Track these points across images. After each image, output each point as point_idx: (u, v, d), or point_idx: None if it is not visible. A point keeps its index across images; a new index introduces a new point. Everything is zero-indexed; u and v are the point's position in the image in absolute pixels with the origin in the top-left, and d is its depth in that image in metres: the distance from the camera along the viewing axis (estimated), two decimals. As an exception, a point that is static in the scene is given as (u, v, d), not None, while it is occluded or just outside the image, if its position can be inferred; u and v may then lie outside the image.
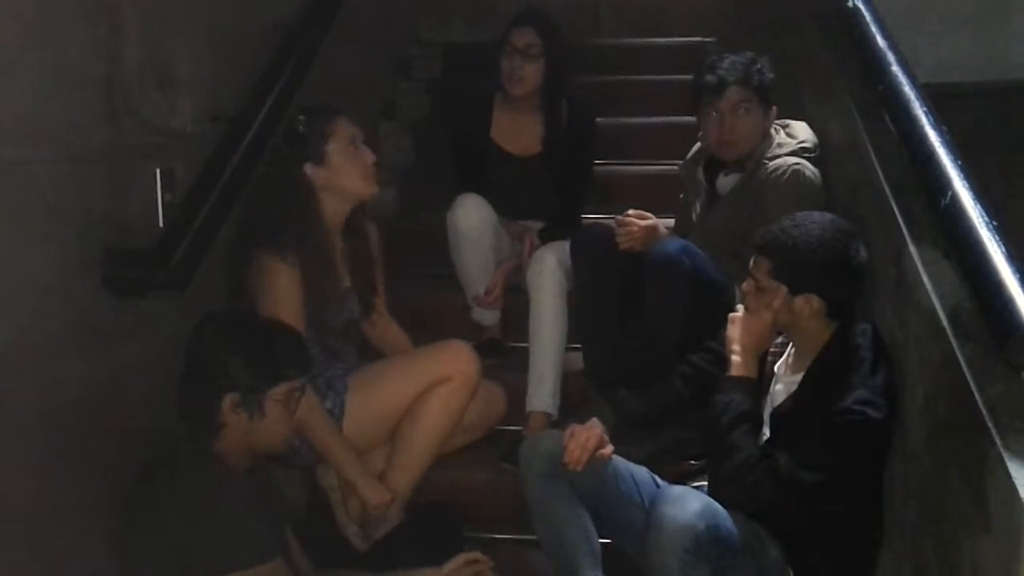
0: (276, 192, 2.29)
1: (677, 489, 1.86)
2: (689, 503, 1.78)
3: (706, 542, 1.75)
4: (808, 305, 1.90)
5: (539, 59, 2.84)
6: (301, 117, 2.33)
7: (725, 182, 2.57)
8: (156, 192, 2.06)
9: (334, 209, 2.34)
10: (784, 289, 1.91)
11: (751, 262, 1.97)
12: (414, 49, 4.16)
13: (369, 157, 2.35)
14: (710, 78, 2.50)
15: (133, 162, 2.00)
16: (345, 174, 2.31)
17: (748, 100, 2.48)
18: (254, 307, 2.23)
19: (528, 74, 2.84)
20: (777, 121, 2.59)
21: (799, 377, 1.93)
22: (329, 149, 2.30)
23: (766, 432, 1.97)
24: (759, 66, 2.50)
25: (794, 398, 1.92)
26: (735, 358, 1.97)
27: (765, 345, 2.01)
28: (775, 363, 2.04)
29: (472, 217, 2.77)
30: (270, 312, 2.18)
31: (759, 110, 2.50)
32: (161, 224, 2.07)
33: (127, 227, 1.96)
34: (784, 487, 1.82)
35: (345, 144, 2.31)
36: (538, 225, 2.91)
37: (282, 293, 2.22)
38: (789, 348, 2.03)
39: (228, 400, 1.85)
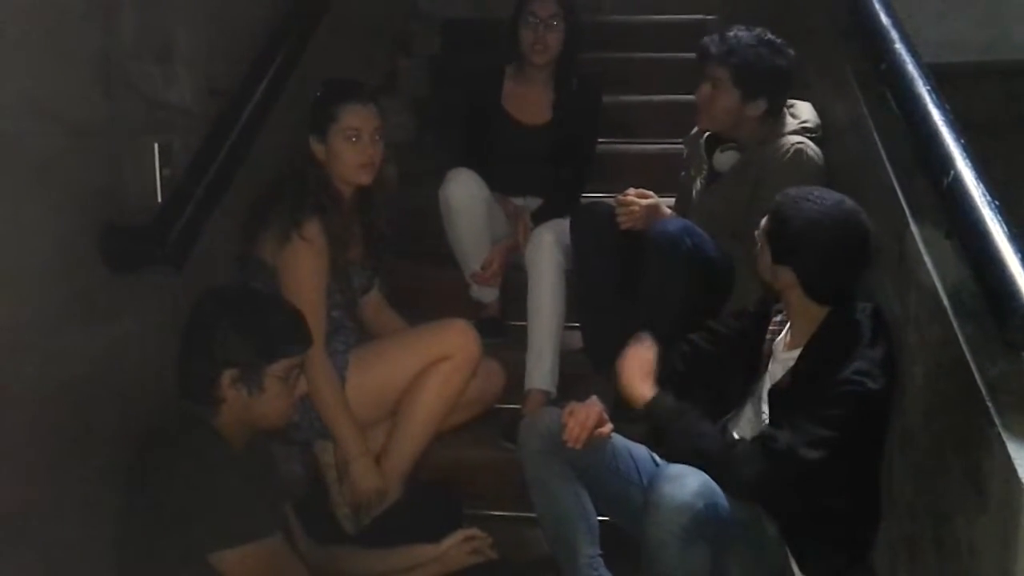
0: (293, 158, 2.32)
1: (676, 468, 1.86)
2: (687, 482, 1.79)
3: (704, 521, 1.76)
4: (785, 276, 1.91)
5: (560, 28, 2.87)
6: (321, 89, 2.34)
7: (721, 158, 2.56)
8: (154, 167, 2.05)
9: (338, 183, 2.34)
10: (768, 252, 1.93)
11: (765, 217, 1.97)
12: (414, 25, 4.13)
13: (368, 151, 2.31)
14: (700, 43, 2.49)
15: (131, 136, 1.99)
16: (338, 159, 2.31)
17: (719, 79, 2.43)
18: (267, 277, 2.24)
19: (552, 43, 2.88)
20: None
21: (796, 353, 1.93)
22: (330, 130, 2.31)
23: (765, 410, 1.97)
24: (758, 50, 2.41)
25: (792, 373, 1.91)
26: (630, 394, 1.99)
27: (649, 367, 2.02)
28: (773, 341, 2.04)
29: (463, 192, 2.77)
30: (297, 282, 2.20)
31: (733, 92, 2.42)
32: (159, 199, 2.05)
33: (125, 202, 1.95)
34: (786, 465, 1.81)
35: (346, 131, 2.30)
36: (536, 202, 2.90)
37: (314, 264, 2.24)
38: (787, 326, 2.02)
39: (227, 376, 1.84)
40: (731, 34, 2.45)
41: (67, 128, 1.77)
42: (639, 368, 2.02)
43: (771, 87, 2.45)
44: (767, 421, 1.96)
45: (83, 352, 1.81)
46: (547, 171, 2.93)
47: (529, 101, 2.96)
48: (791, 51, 2.48)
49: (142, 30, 2.00)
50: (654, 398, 1.97)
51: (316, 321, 2.18)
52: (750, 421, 2.02)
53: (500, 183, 2.88)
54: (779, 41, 2.47)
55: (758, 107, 2.46)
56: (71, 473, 1.78)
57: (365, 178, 2.34)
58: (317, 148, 2.32)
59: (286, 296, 2.19)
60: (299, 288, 2.21)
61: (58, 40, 1.74)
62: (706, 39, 2.50)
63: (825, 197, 1.92)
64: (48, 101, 1.72)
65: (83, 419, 1.82)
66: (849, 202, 1.92)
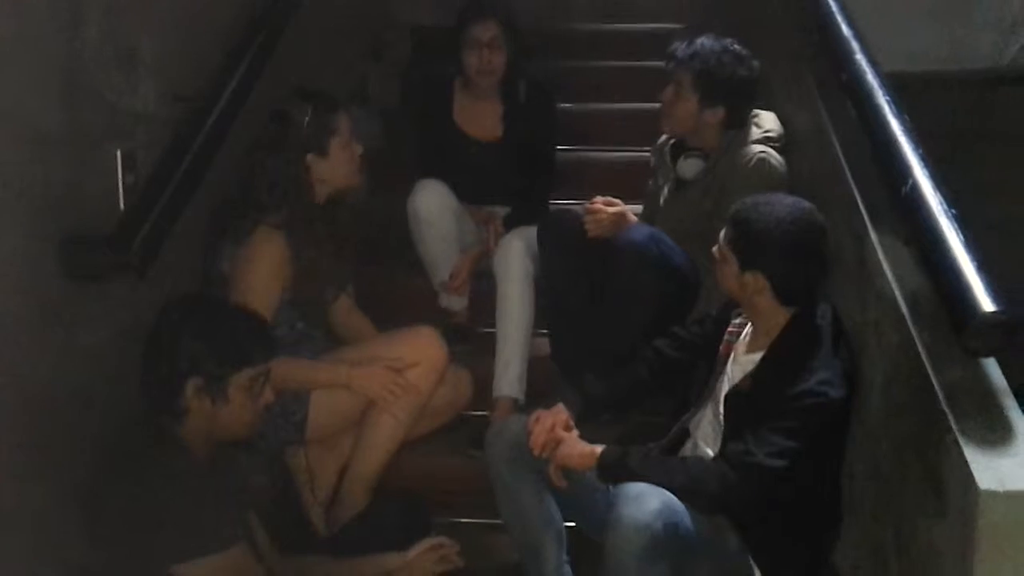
0: (273, 175, 2.29)
1: (636, 487, 1.83)
2: (646, 503, 1.77)
3: (663, 541, 1.75)
4: (755, 282, 1.91)
5: (503, 49, 2.85)
6: (308, 107, 2.33)
7: (685, 165, 2.58)
8: (117, 174, 2.03)
9: (319, 193, 2.36)
10: (734, 260, 1.93)
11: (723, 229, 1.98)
12: (384, 32, 4.13)
13: (358, 150, 2.39)
14: (670, 47, 2.53)
15: (93, 144, 1.97)
16: (341, 167, 2.35)
17: (681, 83, 2.48)
18: (225, 288, 2.23)
19: (497, 66, 2.86)
20: None
21: (757, 356, 1.94)
22: (332, 143, 2.33)
23: (720, 411, 1.98)
24: (721, 58, 2.45)
25: (753, 378, 1.92)
26: (580, 464, 1.97)
27: (574, 436, 2.01)
28: (732, 342, 2.05)
29: (432, 203, 2.77)
30: (247, 289, 2.20)
31: (692, 96, 2.47)
32: (122, 207, 2.04)
33: (87, 210, 1.93)
34: (754, 477, 1.81)
35: (346, 139, 2.35)
36: (504, 210, 2.90)
37: (267, 271, 2.24)
38: (747, 328, 2.04)
39: (191, 386, 1.83)
40: (699, 40, 2.49)
41: (29, 135, 1.75)
42: (571, 442, 2.00)
43: (730, 95, 2.48)
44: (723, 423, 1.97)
45: (44, 362, 1.79)
46: (508, 182, 2.92)
47: (480, 116, 2.95)
48: (755, 63, 2.51)
49: (106, 37, 1.98)
50: (602, 454, 1.95)
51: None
52: (710, 423, 2.03)
53: (464, 194, 2.87)
54: (745, 52, 2.50)
55: (716, 114, 2.49)
56: (32, 484, 1.76)
57: (357, 178, 2.41)
58: (316, 164, 2.32)
59: (238, 296, 2.18)
60: (259, 283, 2.21)
61: (21, 47, 1.72)
62: (675, 43, 2.53)
63: (781, 199, 1.95)
64: (9, 108, 1.70)
65: (45, 430, 1.79)
66: (804, 201, 1.95)
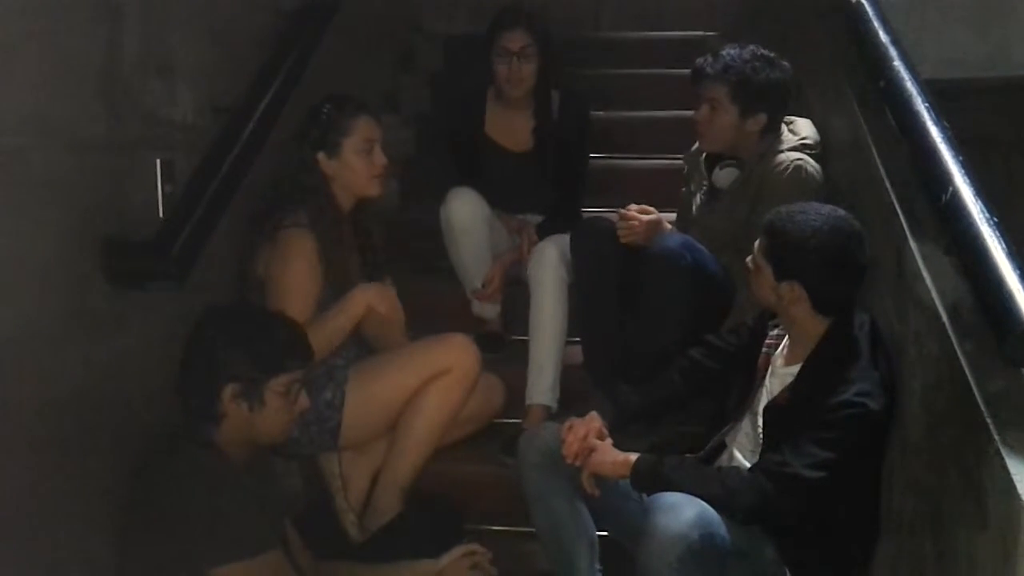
0: (293, 172, 2.34)
1: (671, 497, 1.82)
2: (683, 512, 1.76)
3: (699, 551, 1.73)
4: (791, 292, 1.89)
5: (534, 58, 2.85)
6: (327, 105, 2.35)
7: (720, 175, 2.57)
8: (156, 183, 2.06)
9: (340, 197, 2.38)
10: (769, 270, 1.91)
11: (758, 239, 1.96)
12: (416, 41, 4.15)
13: (380, 161, 2.39)
14: (694, 65, 2.50)
15: (133, 152, 2.00)
16: (353, 172, 2.36)
17: (716, 99, 2.45)
18: (262, 292, 2.25)
19: (527, 75, 2.85)
20: None
21: (795, 369, 1.93)
22: (344, 144, 2.34)
23: (759, 423, 1.97)
24: (754, 65, 2.43)
25: (791, 390, 1.91)
26: (614, 472, 1.96)
27: (608, 445, 1.99)
28: (770, 355, 2.03)
29: (465, 211, 2.78)
30: (285, 290, 2.22)
31: (732, 109, 2.44)
32: (161, 215, 2.07)
33: (127, 217, 1.96)
34: (791, 489, 1.80)
35: (361, 144, 2.36)
36: (537, 219, 2.91)
37: (301, 271, 2.25)
38: (784, 340, 2.02)
39: (228, 391, 1.85)
40: (724, 52, 2.47)
41: (69, 144, 1.79)
42: (605, 450, 1.99)
43: (769, 100, 2.46)
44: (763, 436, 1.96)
45: (84, 367, 1.82)
46: (540, 192, 2.92)
47: (512, 127, 2.95)
48: (785, 63, 2.50)
49: (145, 47, 2.02)
50: (636, 462, 1.94)
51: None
52: (748, 435, 2.02)
53: (497, 202, 2.88)
54: (771, 54, 2.48)
55: (758, 121, 2.47)
56: (71, 487, 1.78)
57: (377, 188, 2.39)
58: (328, 164, 2.34)
59: (275, 303, 2.19)
60: (292, 286, 2.22)
61: (61, 56, 1.75)
62: (699, 61, 2.50)
63: (817, 207, 1.93)
64: (51, 117, 1.73)
65: (84, 434, 1.82)
66: (840, 209, 1.93)
